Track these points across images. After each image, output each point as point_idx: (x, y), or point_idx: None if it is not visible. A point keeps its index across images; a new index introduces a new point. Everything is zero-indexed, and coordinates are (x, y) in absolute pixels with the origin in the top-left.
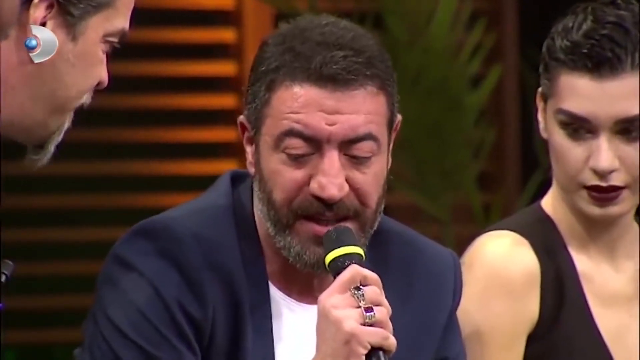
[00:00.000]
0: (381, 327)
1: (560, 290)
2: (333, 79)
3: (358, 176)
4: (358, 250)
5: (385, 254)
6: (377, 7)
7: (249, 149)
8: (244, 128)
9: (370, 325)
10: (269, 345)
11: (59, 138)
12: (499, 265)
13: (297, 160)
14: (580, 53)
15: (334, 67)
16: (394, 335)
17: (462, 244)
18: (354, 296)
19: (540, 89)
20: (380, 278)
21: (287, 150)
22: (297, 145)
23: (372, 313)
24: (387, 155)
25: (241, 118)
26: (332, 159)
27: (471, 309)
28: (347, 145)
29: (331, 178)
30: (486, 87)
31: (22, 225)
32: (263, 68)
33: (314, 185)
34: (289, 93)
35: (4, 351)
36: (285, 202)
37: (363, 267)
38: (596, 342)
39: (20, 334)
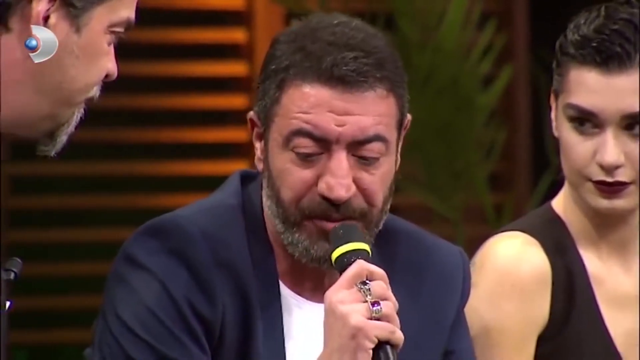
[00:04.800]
0: (388, 322)
1: (571, 291)
2: (343, 80)
3: (366, 177)
4: (364, 246)
5: (393, 252)
6: (389, 7)
7: (257, 145)
8: (253, 124)
9: (377, 319)
10: (280, 344)
11: (69, 129)
12: (510, 266)
13: (305, 159)
14: (590, 47)
15: (344, 68)
16: (403, 332)
17: (473, 244)
18: (360, 291)
19: (552, 88)
20: (389, 277)
21: (296, 149)
22: (306, 145)
23: (378, 307)
24: (396, 155)
25: (251, 114)
26: (341, 159)
27: (482, 310)
28: (355, 146)
29: (339, 179)
30: (497, 88)
31: (31, 225)
32: (274, 66)
33: (322, 186)
34: (299, 93)
35: (16, 351)
36: (294, 201)
37: (369, 262)
38: (606, 343)
39: (31, 335)
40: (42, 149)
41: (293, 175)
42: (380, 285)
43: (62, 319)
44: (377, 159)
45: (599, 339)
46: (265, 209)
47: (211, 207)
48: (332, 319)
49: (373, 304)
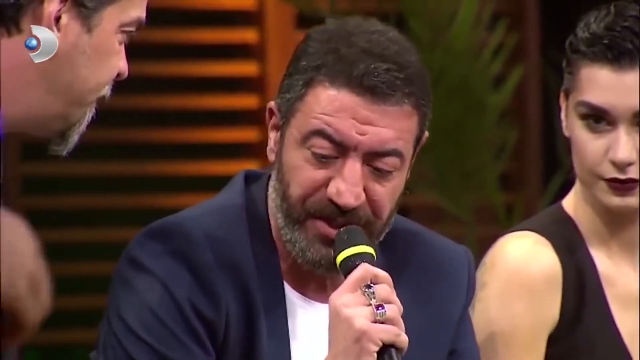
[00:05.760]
0: (392, 325)
1: (581, 291)
2: (372, 90)
3: (377, 188)
4: (369, 250)
5: (399, 253)
6: (399, 7)
7: (272, 135)
8: (272, 114)
9: (382, 322)
10: (285, 345)
11: (81, 129)
12: (520, 266)
13: (320, 160)
14: (601, 44)
15: (375, 79)
16: (410, 334)
17: (483, 244)
18: (364, 294)
19: (563, 88)
20: (395, 277)
21: (312, 148)
22: (323, 146)
23: (383, 310)
24: (408, 170)
25: (271, 104)
26: (355, 167)
27: (492, 310)
28: (372, 156)
29: (349, 186)
30: (508, 88)
31: (41, 225)
32: (304, 63)
33: (331, 190)
34: (325, 94)
35: (28, 351)
36: (300, 199)
37: (374, 266)
38: (616, 343)
39: (43, 334)
40: (54, 148)
41: (305, 174)
42: (385, 288)
43: (73, 318)
44: (390, 172)
45: (609, 339)
46: (270, 202)
47: (214, 207)
48: (337, 322)
49: (377, 307)
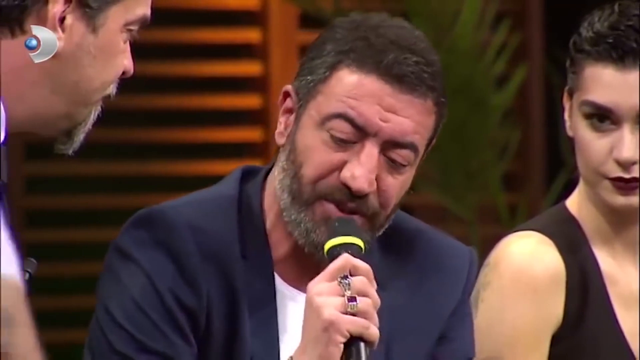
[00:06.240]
0: (364, 318)
1: (585, 290)
2: (401, 79)
3: (389, 179)
4: (357, 241)
5: (402, 250)
6: (402, 7)
7: (282, 119)
8: (286, 96)
9: (353, 314)
10: (274, 337)
11: (86, 128)
12: (524, 266)
13: (338, 143)
14: (605, 43)
15: (405, 68)
16: (398, 326)
17: (487, 244)
18: (340, 285)
19: (566, 88)
20: (393, 272)
21: (332, 131)
22: (343, 130)
23: (354, 303)
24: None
25: (288, 87)
26: (372, 153)
27: (496, 310)
28: (389, 146)
29: (365, 171)
30: (511, 88)
31: (45, 225)
32: (330, 47)
33: (346, 174)
34: (351, 78)
35: None
36: (313, 180)
37: (361, 259)
38: (620, 343)
39: (45, 335)
40: (60, 147)
41: (320, 155)
42: (362, 280)
43: (76, 319)
44: (404, 166)
45: (613, 338)
46: (275, 184)
47: (205, 198)
48: (309, 310)
49: (350, 299)
